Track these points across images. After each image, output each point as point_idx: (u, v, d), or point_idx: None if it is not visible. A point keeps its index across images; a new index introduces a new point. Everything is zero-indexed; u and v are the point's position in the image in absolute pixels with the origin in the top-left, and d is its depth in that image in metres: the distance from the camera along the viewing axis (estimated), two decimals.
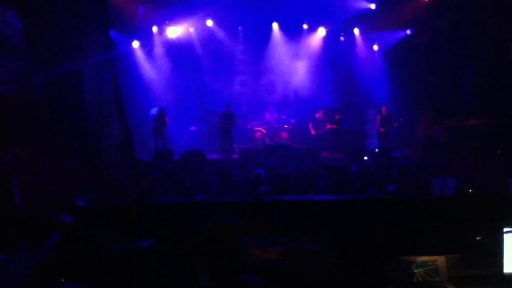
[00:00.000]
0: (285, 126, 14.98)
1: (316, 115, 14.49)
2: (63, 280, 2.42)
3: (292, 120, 15.20)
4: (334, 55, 15.64)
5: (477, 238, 3.30)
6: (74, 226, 2.99)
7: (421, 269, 3.23)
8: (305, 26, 15.21)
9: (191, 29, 15.05)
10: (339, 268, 2.96)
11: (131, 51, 14.42)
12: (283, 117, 15.19)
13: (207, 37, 15.15)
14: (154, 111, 13.70)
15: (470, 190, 3.87)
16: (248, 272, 2.26)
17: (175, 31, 14.89)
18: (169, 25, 14.78)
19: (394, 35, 14.78)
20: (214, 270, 2.09)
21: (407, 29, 14.53)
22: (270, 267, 2.92)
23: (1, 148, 10.59)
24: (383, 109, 13.77)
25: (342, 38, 15.74)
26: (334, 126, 13.87)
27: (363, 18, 14.51)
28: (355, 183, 7.59)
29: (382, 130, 13.70)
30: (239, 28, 15.19)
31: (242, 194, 6.77)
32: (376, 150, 11.80)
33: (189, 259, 2.14)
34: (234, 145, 13.17)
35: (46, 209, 5.02)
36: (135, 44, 14.49)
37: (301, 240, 3.20)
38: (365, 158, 10.74)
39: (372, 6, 13.91)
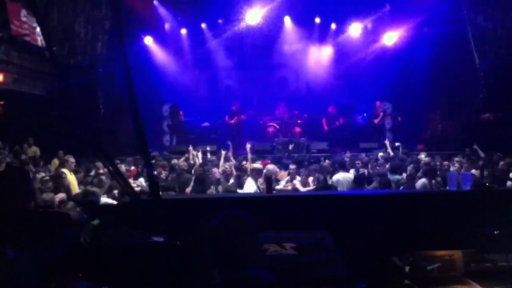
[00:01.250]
0: (298, 122, 14.90)
1: (329, 109, 14.46)
2: (80, 275, 2.43)
3: (305, 115, 15.13)
4: (346, 49, 15.51)
5: (495, 233, 3.26)
6: (87, 222, 3.00)
7: (437, 264, 3.20)
8: (317, 20, 15.10)
9: (203, 25, 15.08)
10: (353, 263, 2.93)
11: (144, 47, 14.49)
12: (296, 112, 15.12)
13: (218, 33, 15.14)
14: (167, 107, 13.79)
15: (487, 183, 3.81)
16: (262, 267, 2.25)
17: (187, 27, 14.96)
18: (181, 21, 14.83)
19: (408, 29, 14.60)
20: (227, 265, 2.08)
21: (420, 23, 14.35)
22: (284, 263, 2.91)
23: (17, 145, 10.73)
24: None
25: (354, 33, 15.58)
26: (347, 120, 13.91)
27: (377, 13, 14.40)
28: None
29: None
30: (251, 23, 15.14)
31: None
32: (396, 144, 11.72)
33: (201, 254, 2.14)
34: (248, 141, 13.24)
35: (61, 205, 5.07)
36: (148, 40, 14.55)
37: (315, 235, 3.19)
38: (380, 154, 10.64)
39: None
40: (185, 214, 3.28)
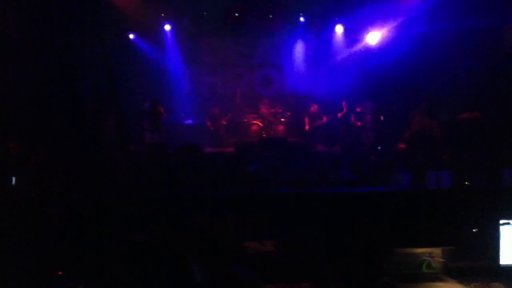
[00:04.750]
0: (281, 120, 14.96)
1: (311, 109, 14.53)
2: (60, 273, 2.41)
3: (288, 113, 15.18)
4: (329, 48, 15.59)
5: (473, 230, 3.30)
6: (68, 220, 2.97)
7: (416, 261, 3.23)
8: (301, 19, 15.14)
9: (186, 21, 15.00)
10: (333, 260, 2.95)
11: (126, 45, 14.37)
12: (279, 110, 15.16)
13: (203, 30, 15.12)
14: (147, 103, 13.67)
15: (466, 183, 3.87)
16: (243, 265, 2.25)
17: (170, 23, 14.86)
18: (165, 17, 14.74)
19: (390, 29, 14.72)
20: (208, 263, 2.08)
21: (403, 23, 14.47)
22: (265, 260, 2.91)
23: None
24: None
25: (337, 30, 15.65)
26: (331, 117, 14.05)
27: (358, 9, 14.47)
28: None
29: (359, 124, 13.94)
30: (236, 20, 15.10)
31: (239, 187, 6.75)
32: (379, 148, 11.88)
33: (183, 252, 2.13)
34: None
35: (41, 202, 4.99)
36: (130, 37, 14.45)
37: (295, 233, 3.19)
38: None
39: None
40: (166, 211, 3.26)
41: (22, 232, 2.57)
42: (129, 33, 14.37)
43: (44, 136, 10.06)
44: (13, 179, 5.06)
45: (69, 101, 10.98)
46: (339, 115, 14.07)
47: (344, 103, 14.17)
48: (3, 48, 10.50)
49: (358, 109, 14.10)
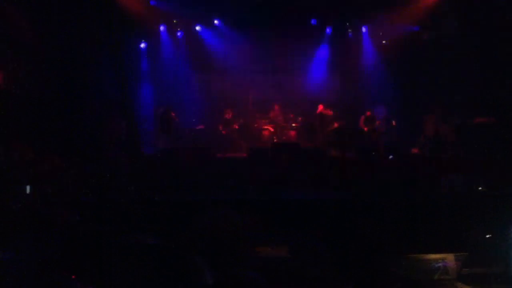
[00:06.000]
0: (293, 125, 14.91)
1: (324, 112, 14.50)
2: (73, 277, 2.41)
3: (300, 118, 15.13)
4: (341, 52, 15.54)
5: (487, 236, 3.26)
6: (79, 222, 2.98)
7: (429, 267, 3.19)
8: (312, 23, 15.10)
9: (198, 28, 15.09)
10: (345, 266, 2.93)
11: (138, 49, 14.49)
12: (291, 115, 15.12)
13: (214, 36, 15.19)
14: (160, 109, 13.76)
15: (479, 188, 3.83)
16: (252, 269, 2.24)
17: (182, 29, 14.96)
18: (176, 23, 14.83)
19: (402, 31, 14.66)
20: (216, 265, 2.07)
21: (415, 26, 14.40)
22: (275, 264, 2.90)
23: (7, 146, 10.63)
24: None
25: (349, 35, 15.61)
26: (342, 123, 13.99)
27: (371, 14, 14.42)
28: None
29: (365, 129, 13.87)
30: (247, 26, 15.12)
31: (249, 192, 6.75)
32: (390, 157, 11.78)
33: (192, 255, 2.12)
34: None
35: (52, 205, 5.03)
36: (142, 42, 14.58)
37: (307, 237, 3.18)
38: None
39: None
40: (176, 215, 3.26)
41: (33, 235, 2.58)
42: (140, 38, 14.50)
43: (55, 140, 10.14)
44: (28, 188, 5.06)
45: (79, 105, 11.06)
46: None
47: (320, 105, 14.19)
48: (10, 51, 10.63)
49: (368, 113, 13.96)
